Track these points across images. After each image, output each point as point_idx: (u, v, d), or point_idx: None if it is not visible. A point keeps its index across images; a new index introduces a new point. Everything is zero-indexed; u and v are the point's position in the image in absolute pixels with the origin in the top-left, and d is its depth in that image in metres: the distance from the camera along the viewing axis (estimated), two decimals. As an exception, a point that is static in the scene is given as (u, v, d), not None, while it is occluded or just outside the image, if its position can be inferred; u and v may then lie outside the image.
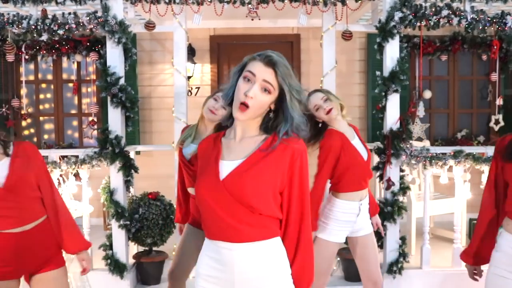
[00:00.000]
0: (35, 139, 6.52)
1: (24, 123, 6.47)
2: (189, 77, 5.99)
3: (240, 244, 1.71)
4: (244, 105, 1.67)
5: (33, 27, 4.14)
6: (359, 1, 4.35)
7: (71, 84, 6.43)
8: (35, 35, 4.20)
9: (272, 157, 1.72)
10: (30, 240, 2.42)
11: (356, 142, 3.13)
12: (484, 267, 2.37)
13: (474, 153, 4.31)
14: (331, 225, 3.06)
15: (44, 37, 4.22)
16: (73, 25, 4.13)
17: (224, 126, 1.87)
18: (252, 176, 1.70)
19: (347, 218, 3.07)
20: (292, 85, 1.71)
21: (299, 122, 1.73)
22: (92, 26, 4.14)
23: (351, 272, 4.39)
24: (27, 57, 6.12)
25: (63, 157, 4.52)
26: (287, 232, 1.77)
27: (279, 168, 1.72)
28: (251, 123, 1.76)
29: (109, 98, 4.22)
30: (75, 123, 6.58)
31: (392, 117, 4.28)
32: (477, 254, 2.40)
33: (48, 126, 6.59)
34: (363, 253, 3.17)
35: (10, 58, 5.58)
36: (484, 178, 4.40)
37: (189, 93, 6.09)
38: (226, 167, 1.74)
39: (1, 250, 2.36)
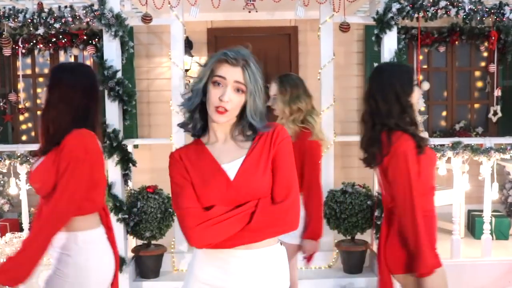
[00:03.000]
0: (32, 134, 6.51)
1: (21, 118, 6.46)
2: (186, 70, 5.96)
3: (249, 251, 1.70)
4: (222, 109, 1.66)
5: (29, 20, 4.12)
6: (357, -7, 4.35)
7: (68, 78, 6.40)
8: (31, 28, 4.19)
9: (261, 145, 1.73)
10: None
11: None
12: None
13: (473, 144, 4.31)
14: None
15: (41, 30, 4.20)
16: (70, 19, 4.12)
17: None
18: (261, 171, 1.70)
19: None
20: (258, 83, 1.70)
21: (262, 114, 1.73)
22: (88, 20, 4.13)
23: (350, 264, 4.41)
24: (24, 51, 6.11)
25: (61, 151, 4.51)
26: (278, 194, 1.70)
27: (269, 152, 1.72)
28: (230, 121, 1.74)
29: (106, 92, 4.21)
30: (72, 117, 6.55)
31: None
32: None
33: (46, 120, 6.56)
34: None
35: (6, 52, 5.57)
36: (483, 169, 4.40)
37: (187, 86, 6.07)
38: (230, 169, 1.72)
39: None
